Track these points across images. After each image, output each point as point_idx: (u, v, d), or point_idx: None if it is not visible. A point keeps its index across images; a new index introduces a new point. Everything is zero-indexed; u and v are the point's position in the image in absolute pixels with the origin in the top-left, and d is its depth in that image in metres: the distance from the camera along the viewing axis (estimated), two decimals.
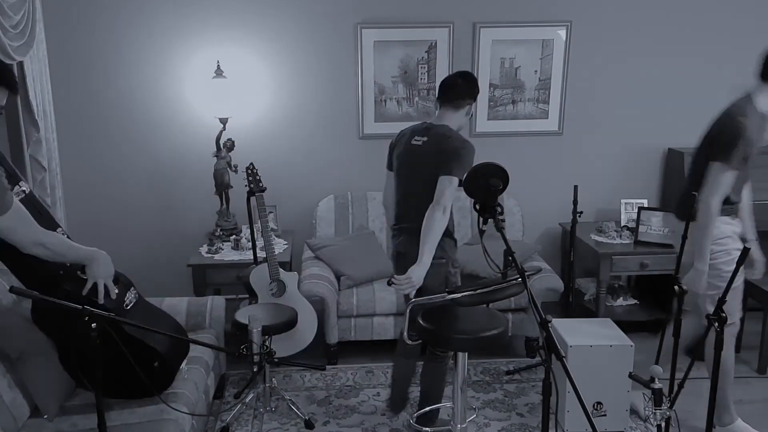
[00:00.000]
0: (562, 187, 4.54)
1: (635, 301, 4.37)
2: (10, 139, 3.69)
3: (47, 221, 2.45)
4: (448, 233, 2.92)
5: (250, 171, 3.61)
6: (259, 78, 4.26)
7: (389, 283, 2.77)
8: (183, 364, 2.84)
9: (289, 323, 3.23)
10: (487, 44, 4.28)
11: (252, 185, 3.59)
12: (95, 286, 2.40)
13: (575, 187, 3.88)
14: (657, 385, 2.55)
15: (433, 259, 2.76)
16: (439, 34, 4.25)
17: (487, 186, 2.35)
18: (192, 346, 3.09)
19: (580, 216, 3.87)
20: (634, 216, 4.21)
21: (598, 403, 3.12)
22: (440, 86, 3.00)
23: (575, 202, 3.86)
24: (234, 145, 4.10)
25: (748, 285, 3.27)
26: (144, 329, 2.38)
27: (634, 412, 3.26)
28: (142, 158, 4.31)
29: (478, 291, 2.49)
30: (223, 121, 4.03)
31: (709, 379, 2.71)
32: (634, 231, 4.16)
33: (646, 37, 4.36)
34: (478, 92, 3.03)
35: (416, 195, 2.88)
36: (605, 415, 3.13)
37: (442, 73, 4.30)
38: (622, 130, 4.52)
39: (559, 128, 4.48)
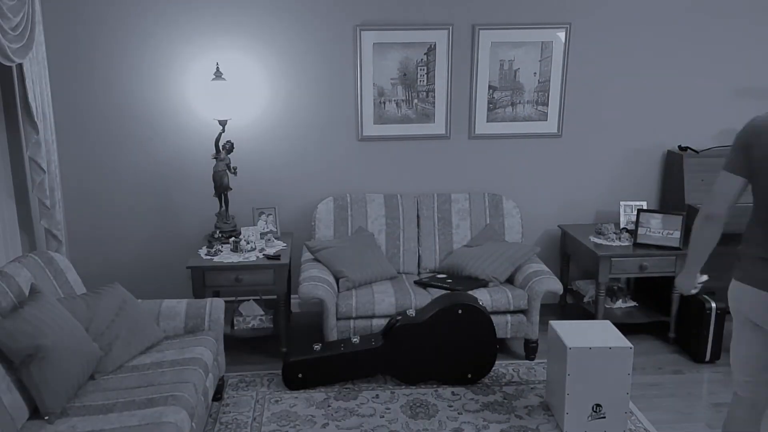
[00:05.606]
0: (561, 189, 4.56)
1: (634, 304, 4.37)
2: (9, 140, 3.70)
3: None
4: None
5: None
6: (259, 80, 4.26)
7: None
8: None
9: None
10: (486, 46, 4.29)
11: None
12: None
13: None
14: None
15: None
16: (439, 36, 4.26)
17: None
18: (189, 347, 3.10)
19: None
20: (633, 218, 4.22)
21: (597, 405, 3.12)
22: None
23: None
24: (233, 147, 4.10)
25: None
26: None
27: None
28: (142, 160, 4.31)
29: None
30: (223, 123, 4.03)
31: None
32: (633, 233, 4.16)
33: (645, 39, 4.37)
34: None
35: None
36: (604, 417, 3.13)
37: (441, 75, 4.30)
38: (621, 132, 4.52)
39: (558, 130, 4.48)
